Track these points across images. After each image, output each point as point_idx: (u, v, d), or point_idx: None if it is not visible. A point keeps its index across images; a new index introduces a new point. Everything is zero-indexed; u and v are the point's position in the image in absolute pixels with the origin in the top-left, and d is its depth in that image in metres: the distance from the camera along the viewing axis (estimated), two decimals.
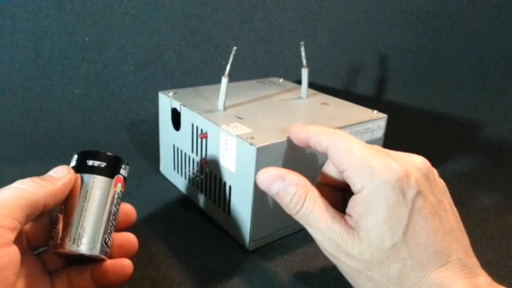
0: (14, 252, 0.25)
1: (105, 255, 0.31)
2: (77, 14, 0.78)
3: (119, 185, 0.32)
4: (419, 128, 0.89)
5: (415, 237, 0.28)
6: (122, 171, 0.33)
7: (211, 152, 0.51)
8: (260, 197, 0.46)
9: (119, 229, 0.34)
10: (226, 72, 0.53)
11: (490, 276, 0.31)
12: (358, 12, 0.91)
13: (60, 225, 0.30)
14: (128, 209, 0.35)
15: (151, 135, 0.75)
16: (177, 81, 0.84)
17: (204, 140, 0.51)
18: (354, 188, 0.30)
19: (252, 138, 0.44)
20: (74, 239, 0.30)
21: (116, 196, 0.32)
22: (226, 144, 0.47)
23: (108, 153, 0.32)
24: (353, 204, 0.30)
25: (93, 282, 0.32)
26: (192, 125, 0.53)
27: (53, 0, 0.77)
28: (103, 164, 0.31)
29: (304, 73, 0.61)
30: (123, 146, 0.73)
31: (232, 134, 0.46)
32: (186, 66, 0.85)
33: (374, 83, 0.94)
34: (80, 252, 0.30)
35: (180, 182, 0.60)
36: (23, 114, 0.76)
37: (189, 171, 0.57)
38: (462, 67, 0.96)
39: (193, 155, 0.55)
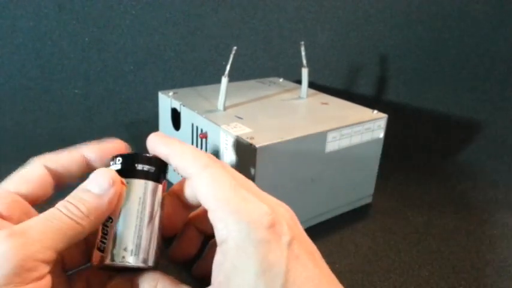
0: (45, 285, 0.23)
1: (157, 266, 0.29)
2: (77, 14, 0.78)
3: (164, 190, 0.30)
4: (419, 128, 0.89)
5: None
6: (166, 175, 0.30)
7: (211, 152, 0.51)
8: None
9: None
10: (226, 72, 0.53)
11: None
12: (358, 12, 0.91)
13: (112, 235, 0.27)
14: (170, 218, 0.31)
15: None
16: (177, 81, 0.84)
17: (204, 140, 0.51)
18: (217, 235, 0.25)
19: (252, 138, 0.44)
20: (132, 251, 0.27)
21: (163, 201, 0.29)
22: (226, 144, 0.47)
23: (156, 156, 0.29)
24: (217, 266, 0.25)
25: None
26: (192, 125, 0.53)
27: (53, 0, 0.77)
28: (153, 169, 0.29)
29: (304, 73, 0.61)
30: None
31: (232, 134, 0.46)
32: (186, 66, 0.85)
33: (374, 83, 0.94)
34: (140, 265, 0.27)
35: None
36: (23, 114, 0.76)
37: None
38: (462, 67, 0.96)
39: None
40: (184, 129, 0.55)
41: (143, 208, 0.28)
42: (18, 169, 0.28)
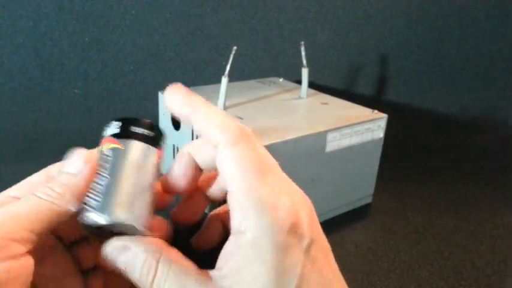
0: (23, 265, 0.23)
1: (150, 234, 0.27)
2: (77, 14, 0.78)
3: (159, 157, 0.30)
4: (419, 128, 0.89)
5: None
6: (162, 144, 0.30)
7: None
8: None
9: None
10: (226, 72, 0.53)
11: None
12: (358, 12, 0.91)
13: (101, 190, 0.26)
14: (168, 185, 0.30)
15: None
16: (177, 81, 0.84)
17: None
18: (233, 223, 0.24)
19: None
20: (122, 206, 0.26)
21: (158, 168, 0.29)
22: None
23: (153, 123, 0.30)
24: (227, 254, 0.24)
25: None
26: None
27: (53, 0, 0.77)
28: (150, 133, 0.29)
29: (304, 73, 0.61)
30: None
31: None
32: (186, 66, 0.85)
33: (374, 83, 0.94)
34: (127, 223, 0.26)
35: None
36: (23, 114, 0.76)
37: None
38: (462, 67, 0.96)
39: None
40: (184, 130, 0.55)
41: (134, 167, 0.27)
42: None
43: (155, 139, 0.30)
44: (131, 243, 0.26)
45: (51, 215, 0.25)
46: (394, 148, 0.69)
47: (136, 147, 0.28)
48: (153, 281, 0.24)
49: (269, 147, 0.44)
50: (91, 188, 0.26)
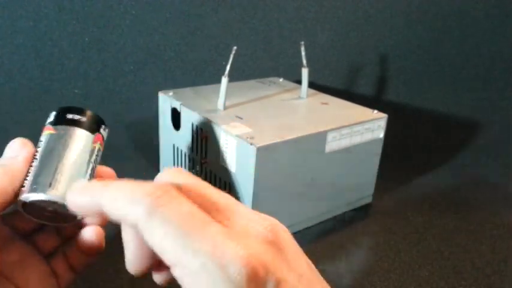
0: None
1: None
2: (77, 14, 0.78)
3: (99, 143, 0.31)
4: (419, 128, 0.89)
5: None
6: (102, 131, 0.32)
7: (211, 151, 0.51)
8: (260, 196, 0.46)
9: None
10: (226, 72, 0.53)
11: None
12: (358, 12, 0.91)
13: (34, 172, 0.28)
14: (106, 172, 0.31)
15: (151, 135, 0.75)
16: (177, 81, 0.84)
17: (204, 139, 0.51)
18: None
19: (252, 138, 0.44)
20: (50, 184, 0.27)
21: (96, 153, 0.31)
22: (226, 144, 0.47)
23: (89, 110, 0.32)
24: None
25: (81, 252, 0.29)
26: (192, 124, 0.53)
27: (53, 0, 0.77)
28: (83, 119, 0.31)
29: (304, 73, 0.61)
30: (123, 146, 0.73)
31: (232, 134, 0.46)
32: (186, 66, 0.85)
33: (374, 83, 0.94)
34: (56, 199, 0.27)
35: None
36: (23, 114, 0.76)
37: (189, 171, 0.57)
38: (462, 67, 0.96)
39: (193, 155, 0.55)
40: (185, 129, 0.55)
41: (70, 150, 0.29)
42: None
43: (89, 124, 0.31)
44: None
45: None
46: (394, 148, 0.69)
47: (66, 131, 0.30)
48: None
49: (269, 147, 0.44)
50: (28, 172, 0.29)
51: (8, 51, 0.77)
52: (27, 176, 0.28)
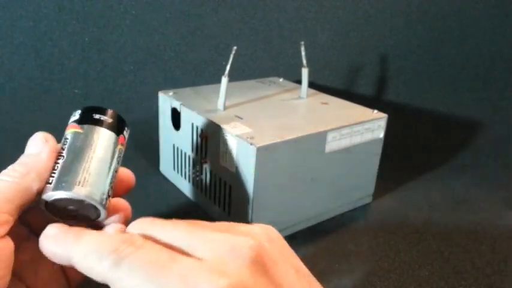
0: (3, 247, 0.24)
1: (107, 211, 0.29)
2: (77, 14, 0.78)
3: (122, 144, 0.31)
4: (419, 128, 0.89)
5: None
6: (125, 133, 0.32)
7: (211, 151, 0.51)
8: (260, 196, 0.46)
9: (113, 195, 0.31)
10: (226, 72, 0.53)
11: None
12: (358, 12, 0.91)
13: (61, 170, 0.27)
14: (126, 174, 0.31)
15: (151, 135, 0.75)
16: (177, 81, 0.84)
17: (204, 139, 0.51)
18: None
19: (252, 138, 0.44)
20: (79, 182, 0.27)
21: (119, 154, 0.31)
22: (226, 144, 0.47)
23: (114, 111, 0.32)
24: None
25: None
26: (192, 124, 0.53)
27: (53, 0, 0.77)
28: (109, 120, 0.31)
29: (304, 73, 0.61)
30: None
31: (232, 134, 0.46)
32: (186, 66, 0.85)
33: (374, 83, 0.94)
34: (84, 198, 0.27)
35: (180, 182, 0.60)
36: (23, 114, 0.76)
37: (189, 171, 0.57)
38: (462, 67, 0.96)
39: (193, 155, 0.55)
40: (184, 129, 0.55)
41: (97, 149, 0.29)
42: None
43: (114, 125, 0.31)
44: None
45: (17, 193, 0.25)
46: (394, 148, 0.69)
47: (92, 130, 0.30)
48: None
49: (269, 147, 0.44)
50: (53, 169, 0.28)
51: (8, 51, 0.77)
52: (53, 173, 0.28)
